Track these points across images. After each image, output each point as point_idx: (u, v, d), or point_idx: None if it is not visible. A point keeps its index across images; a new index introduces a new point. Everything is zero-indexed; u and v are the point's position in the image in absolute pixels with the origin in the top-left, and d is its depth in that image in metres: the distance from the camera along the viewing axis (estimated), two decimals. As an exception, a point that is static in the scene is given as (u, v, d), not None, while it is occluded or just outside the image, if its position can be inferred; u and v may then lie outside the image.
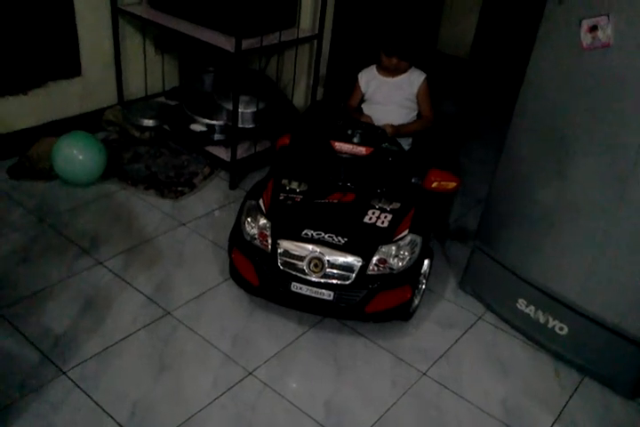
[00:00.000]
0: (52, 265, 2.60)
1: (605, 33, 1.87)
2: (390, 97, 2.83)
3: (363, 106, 2.91)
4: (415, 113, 2.87)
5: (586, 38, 1.94)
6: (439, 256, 2.87)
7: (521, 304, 2.45)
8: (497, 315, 2.58)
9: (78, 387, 2.08)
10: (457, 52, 5.14)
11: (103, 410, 2.01)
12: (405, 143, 2.79)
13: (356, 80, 2.89)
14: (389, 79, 2.83)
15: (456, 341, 2.45)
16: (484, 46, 5.06)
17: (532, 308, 2.41)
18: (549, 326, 2.37)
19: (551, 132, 2.15)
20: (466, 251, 2.77)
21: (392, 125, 2.71)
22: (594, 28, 1.90)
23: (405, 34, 2.80)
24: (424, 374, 2.29)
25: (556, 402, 2.24)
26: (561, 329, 2.34)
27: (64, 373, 2.12)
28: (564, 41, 2.01)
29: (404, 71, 2.81)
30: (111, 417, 1.99)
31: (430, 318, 2.55)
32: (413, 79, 2.81)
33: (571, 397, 2.26)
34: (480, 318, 2.59)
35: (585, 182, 2.10)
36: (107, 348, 2.24)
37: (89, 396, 2.05)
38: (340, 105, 2.80)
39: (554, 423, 2.16)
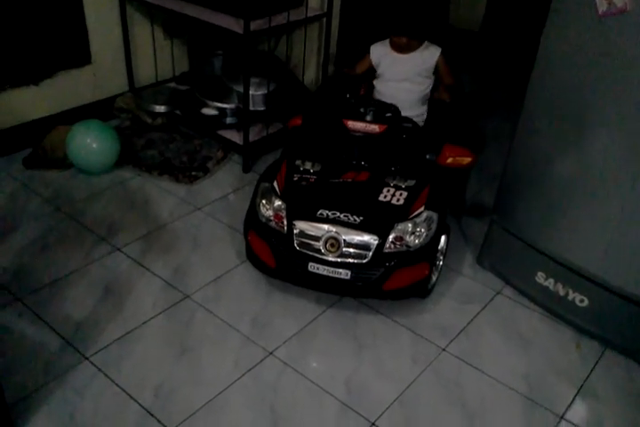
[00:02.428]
0: (70, 253, 2.63)
1: (620, -3, 1.83)
2: (403, 73, 2.77)
3: (375, 82, 2.86)
4: (426, 86, 2.81)
5: (601, 5, 1.89)
6: (456, 232, 2.86)
7: (540, 277, 2.43)
8: (515, 289, 2.57)
9: (101, 372, 2.10)
10: (468, 26, 5.07)
11: (127, 394, 2.04)
12: (420, 119, 2.76)
13: (367, 51, 2.84)
14: (402, 56, 2.76)
15: (475, 316, 2.45)
16: (496, 19, 4.98)
17: (552, 281, 2.39)
18: (569, 298, 2.36)
19: (567, 103, 2.11)
20: (482, 226, 2.75)
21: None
22: (608, -6, 1.85)
23: (411, 12, 2.74)
24: (444, 349, 2.29)
25: (577, 375, 2.23)
26: (581, 301, 2.32)
27: (87, 358, 2.15)
28: (578, 9, 1.96)
29: (417, 47, 2.75)
30: (135, 401, 2.02)
31: (448, 295, 2.54)
32: (427, 55, 2.75)
33: (592, 369, 2.25)
34: (498, 292, 2.58)
35: (603, 154, 2.07)
36: (128, 333, 2.27)
37: (112, 380, 2.08)
38: (343, 71, 2.78)
39: (576, 396, 2.15)
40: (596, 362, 2.28)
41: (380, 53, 2.81)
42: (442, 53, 2.77)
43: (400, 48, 2.75)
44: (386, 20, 2.75)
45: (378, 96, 2.82)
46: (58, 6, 3.18)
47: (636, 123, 1.94)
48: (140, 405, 2.00)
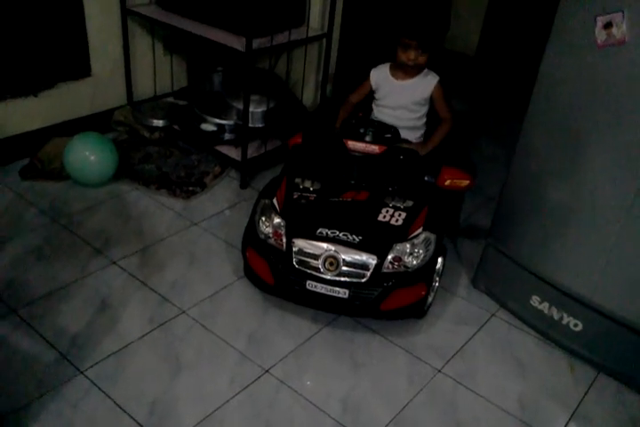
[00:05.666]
0: (66, 265, 2.61)
1: (620, 29, 1.87)
2: (400, 101, 2.74)
3: (373, 106, 2.87)
4: (422, 114, 2.80)
5: (600, 35, 1.94)
6: (451, 254, 2.88)
7: (534, 301, 2.45)
8: (510, 312, 2.59)
9: (96, 386, 2.09)
10: (464, 50, 5.14)
11: (122, 409, 2.02)
12: (418, 142, 2.79)
13: (367, 76, 2.81)
14: (401, 82, 2.73)
15: (470, 338, 2.46)
16: (491, 43, 5.05)
17: (546, 304, 2.42)
18: (564, 322, 2.38)
19: (565, 128, 2.15)
20: (477, 248, 2.78)
21: (422, 145, 2.70)
22: (608, 25, 1.90)
23: (423, 16, 2.69)
24: (439, 371, 2.29)
25: (571, 398, 2.24)
26: (575, 326, 2.35)
27: (82, 372, 2.13)
28: (578, 38, 2.01)
29: (419, 72, 2.71)
30: (130, 416, 2.00)
31: (444, 316, 2.56)
32: (425, 83, 2.72)
33: (586, 393, 2.27)
34: (493, 315, 2.59)
35: (600, 178, 2.10)
36: (123, 347, 2.25)
37: (107, 395, 2.06)
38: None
39: (570, 419, 2.16)
40: (590, 386, 2.30)
41: (380, 77, 2.77)
42: (439, 82, 2.71)
43: (403, 70, 2.70)
44: (397, 22, 2.69)
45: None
46: (59, 18, 3.20)
47: (633, 149, 1.98)
48: (134, 420, 1.99)
